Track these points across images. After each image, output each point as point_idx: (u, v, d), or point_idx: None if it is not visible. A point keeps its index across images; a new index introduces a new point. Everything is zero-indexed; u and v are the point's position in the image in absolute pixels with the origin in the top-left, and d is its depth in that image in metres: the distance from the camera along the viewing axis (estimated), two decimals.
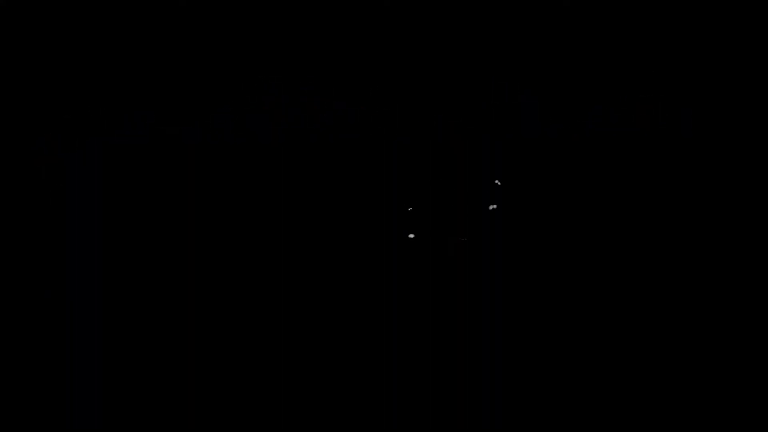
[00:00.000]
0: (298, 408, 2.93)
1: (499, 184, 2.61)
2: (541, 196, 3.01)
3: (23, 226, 2.98)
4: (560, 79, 3.03)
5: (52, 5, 3.02)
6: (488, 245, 2.99)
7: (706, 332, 2.91)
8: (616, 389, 2.91)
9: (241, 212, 3.01)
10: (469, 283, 2.98)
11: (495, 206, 2.46)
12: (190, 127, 3.03)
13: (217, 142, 3.02)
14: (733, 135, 2.99)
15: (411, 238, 2.76)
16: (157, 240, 2.98)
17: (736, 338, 2.90)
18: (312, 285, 2.98)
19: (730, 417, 2.87)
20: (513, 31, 3.02)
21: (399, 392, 2.94)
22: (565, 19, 3.01)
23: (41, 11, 3.02)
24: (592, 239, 2.98)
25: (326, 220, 3.01)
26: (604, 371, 2.92)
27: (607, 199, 2.99)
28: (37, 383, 2.91)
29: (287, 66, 3.04)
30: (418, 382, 2.95)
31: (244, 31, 3.04)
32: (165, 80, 3.04)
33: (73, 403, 2.91)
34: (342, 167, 3.02)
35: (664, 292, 2.94)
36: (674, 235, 2.97)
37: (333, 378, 2.94)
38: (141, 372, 2.93)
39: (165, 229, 2.99)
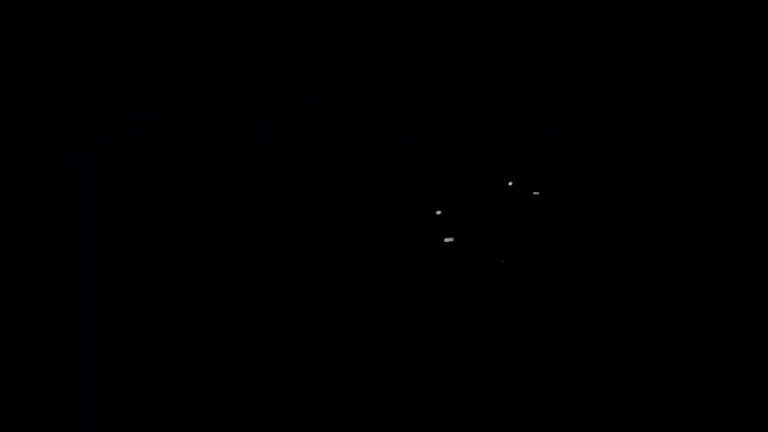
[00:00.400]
0: (298, 408, 2.93)
1: (510, 184, 2.61)
2: (540, 195, 3.01)
3: (23, 226, 2.98)
4: (560, 79, 3.03)
5: (52, 5, 3.02)
6: (488, 245, 2.99)
7: (706, 332, 2.91)
8: (616, 389, 2.91)
9: (241, 212, 3.01)
10: (469, 283, 2.98)
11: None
12: (190, 127, 3.03)
13: (217, 142, 3.02)
14: (733, 135, 2.99)
15: (448, 241, 2.76)
16: (157, 240, 2.98)
17: (735, 338, 2.90)
18: (312, 285, 2.98)
19: (730, 417, 2.87)
20: (513, 31, 3.02)
21: (399, 392, 2.94)
22: (565, 19, 3.01)
23: (41, 11, 3.02)
24: (592, 239, 2.98)
25: (326, 220, 3.01)
26: (604, 371, 2.92)
27: (607, 199, 2.99)
28: (37, 383, 2.91)
29: (287, 66, 3.04)
30: (418, 381, 2.94)
31: (244, 31, 3.04)
32: (165, 80, 3.04)
33: (73, 403, 2.91)
34: (342, 167, 3.02)
35: (664, 292, 2.94)
36: (674, 235, 2.97)
37: (333, 377, 2.94)
38: (141, 372, 2.93)
39: (165, 229, 2.99)
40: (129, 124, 3.03)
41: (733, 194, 2.96)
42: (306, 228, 3.00)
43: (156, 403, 2.91)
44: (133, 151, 3.02)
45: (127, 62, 3.04)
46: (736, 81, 3.00)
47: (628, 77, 3.02)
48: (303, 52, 3.04)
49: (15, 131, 3.02)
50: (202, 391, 2.92)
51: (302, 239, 3.00)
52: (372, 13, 3.00)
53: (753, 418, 2.86)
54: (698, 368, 2.90)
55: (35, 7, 3.02)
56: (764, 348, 2.89)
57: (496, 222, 2.99)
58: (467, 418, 2.92)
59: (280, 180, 3.02)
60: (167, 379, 2.92)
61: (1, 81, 3.02)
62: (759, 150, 2.97)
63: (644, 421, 2.88)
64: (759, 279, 2.92)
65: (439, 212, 2.71)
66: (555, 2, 3.01)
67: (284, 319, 2.96)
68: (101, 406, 2.91)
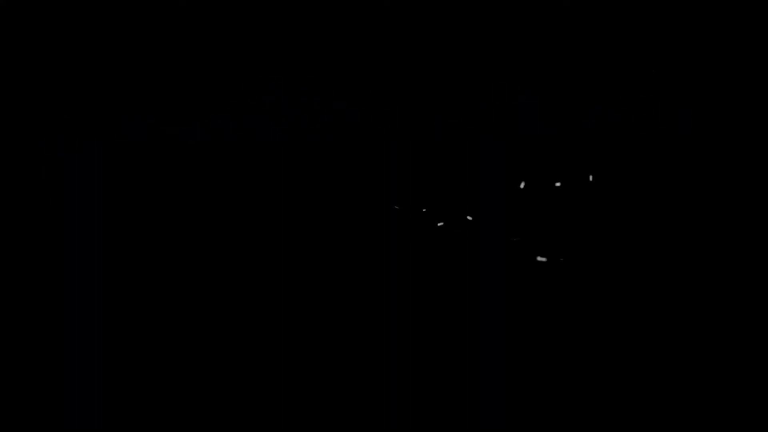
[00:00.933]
0: (298, 408, 2.93)
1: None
2: (540, 196, 3.01)
3: (23, 226, 2.98)
4: (560, 79, 3.03)
5: (52, 5, 3.02)
6: (488, 245, 2.99)
7: (706, 332, 2.91)
8: (616, 388, 2.91)
9: (241, 212, 3.01)
10: (469, 283, 2.98)
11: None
12: (190, 127, 3.03)
13: (217, 142, 3.02)
14: (733, 135, 2.99)
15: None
16: (157, 240, 2.99)
17: (735, 339, 2.90)
18: (312, 285, 2.98)
19: (731, 417, 2.87)
20: (513, 31, 3.02)
21: (399, 392, 2.94)
22: (565, 19, 3.01)
23: (41, 11, 3.02)
24: (592, 239, 2.98)
25: (326, 220, 3.01)
26: (602, 372, 2.92)
27: (606, 199, 2.99)
28: (37, 383, 2.91)
29: (287, 66, 3.04)
30: (418, 381, 2.95)
31: (244, 31, 3.04)
32: (165, 80, 3.04)
33: (73, 403, 2.91)
34: (342, 167, 3.02)
35: (664, 292, 2.94)
36: (674, 235, 2.97)
37: (333, 377, 2.94)
38: (141, 372, 2.93)
39: (165, 229, 2.99)
40: (129, 124, 3.03)
41: (733, 194, 2.96)
42: (306, 227, 3.00)
43: (156, 403, 2.91)
44: (133, 151, 3.02)
45: (127, 62, 3.04)
46: (736, 81, 3.00)
47: (628, 77, 3.02)
48: (303, 52, 3.04)
49: (15, 131, 3.02)
50: (202, 391, 2.92)
51: (302, 239, 3.00)
52: (372, 13, 3.01)
53: (753, 418, 2.86)
54: (697, 368, 2.90)
55: (35, 7, 3.02)
56: (764, 348, 2.89)
57: (496, 221, 2.99)
58: (467, 418, 2.92)
59: (280, 180, 3.02)
60: (167, 379, 2.92)
61: (2, 81, 3.02)
62: (759, 150, 2.97)
63: (644, 421, 2.89)
64: (759, 278, 2.92)
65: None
66: (555, 2, 3.01)
67: (284, 318, 2.96)
68: (101, 406, 2.91)
